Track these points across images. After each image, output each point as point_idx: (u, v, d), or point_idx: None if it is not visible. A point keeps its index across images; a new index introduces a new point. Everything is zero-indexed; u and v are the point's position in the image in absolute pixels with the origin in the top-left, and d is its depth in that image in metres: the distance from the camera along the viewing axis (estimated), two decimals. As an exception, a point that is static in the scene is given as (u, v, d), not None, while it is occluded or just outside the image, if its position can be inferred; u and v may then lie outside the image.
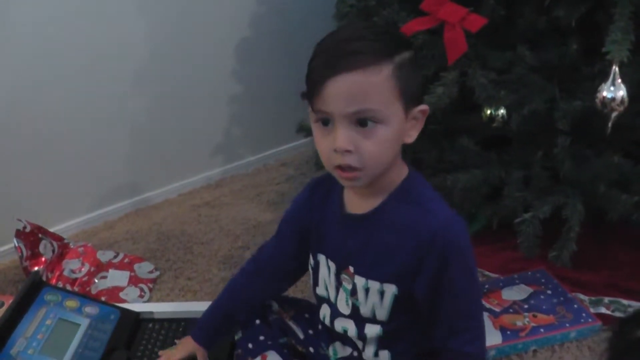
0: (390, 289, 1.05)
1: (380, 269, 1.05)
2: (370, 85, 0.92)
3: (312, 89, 0.95)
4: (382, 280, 1.05)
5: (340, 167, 0.97)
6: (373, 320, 1.09)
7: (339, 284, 1.12)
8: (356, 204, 1.08)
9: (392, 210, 1.04)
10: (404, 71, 0.94)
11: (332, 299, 1.15)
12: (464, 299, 1.03)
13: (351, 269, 1.09)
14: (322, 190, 1.14)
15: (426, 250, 0.99)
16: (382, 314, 1.08)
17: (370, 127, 0.94)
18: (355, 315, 1.11)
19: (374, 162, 0.97)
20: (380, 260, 1.05)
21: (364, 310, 1.09)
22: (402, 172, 1.06)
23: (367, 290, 1.07)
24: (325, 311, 1.18)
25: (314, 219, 1.15)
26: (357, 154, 0.95)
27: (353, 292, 1.09)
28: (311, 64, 0.96)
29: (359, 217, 1.07)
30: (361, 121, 0.93)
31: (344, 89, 0.92)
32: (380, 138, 0.95)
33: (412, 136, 1.00)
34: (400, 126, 0.97)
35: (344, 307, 1.12)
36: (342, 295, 1.12)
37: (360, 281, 1.07)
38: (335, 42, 0.96)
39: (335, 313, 1.15)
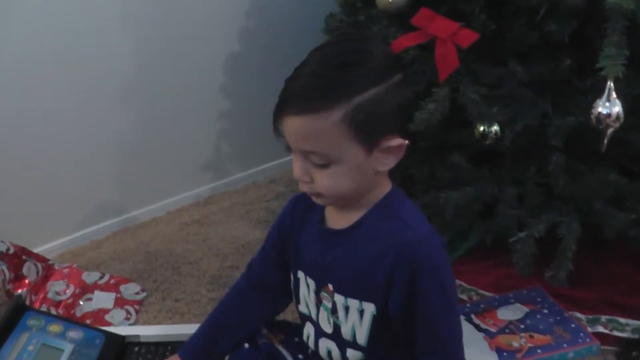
0: (369, 308, 1.03)
1: (358, 286, 1.03)
2: (316, 131, 0.92)
3: (273, 120, 0.97)
4: (361, 298, 1.03)
5: None
6: (354, 344, 1.07)
7: (319, 302, 1.10)
8: (336, 219, 1.07)
9: (371, 225, 1.02)
10: (365, 111, 0.91)
11: (314, 317, 1.13)
12: (439, 319, 1.00)
13: (330, 286, 1.07)
14: (305, 204, 1.12)
15: (398, 263, 0.97)
16: (362, 335, 1.05)
17: (321, 163, 0.95)
18: (337, 335, 1.09)
19: (331, 192, 0.98)
20: (358, 276, 1.03)
21: (345, 330, 1.07)
22: (384, 188, 1.04)
23: (346, 308, 1.05)
24: (309, 330, 1.16)
25: (293, 233, 1.14)
26: (313, 184, 0.97)
27: (334, 311, 1.07)
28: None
29: (337, 232, 1.06)
30: (312, 158, 0.95)
31: (293, 130, 0.94)
32: (334, 173, 0.95)
33: (387, 164, 0.98)
34: (360, 162, 0.95)
35: (326, 326, 1.10)
36: (324, 313, 1.10)
37: (339, 299, 1.05)
38: (297, 74, 0.95)
39: (319, 332, 1.12)
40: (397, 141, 0.96)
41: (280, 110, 0.94)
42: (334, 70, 0.93)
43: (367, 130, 0.93)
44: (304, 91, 0.93)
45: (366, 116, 0.91)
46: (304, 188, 1.00)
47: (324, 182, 0.96)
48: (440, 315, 1.00)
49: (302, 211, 1.13)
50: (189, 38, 2.22)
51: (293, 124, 0.93)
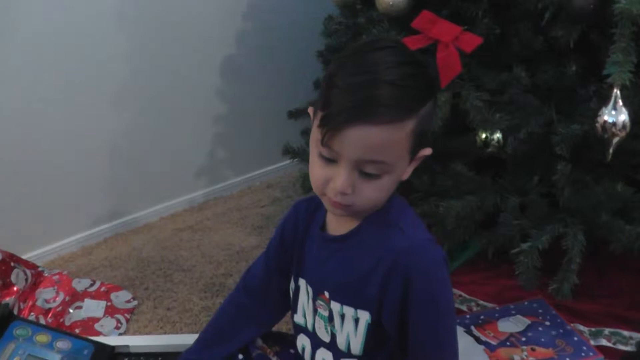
0: (364, 316, 1.01)
1: (354, 294, 1.01)
2: (389, 142, 0.89)
3: (329, 126, 0.89)
4: (356, 306, 1.01)
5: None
6: (348, 354, 1.05)
7: (315, 311, 1.08)
8: (336, 225, 1.05)
9: (368, 232, 1.00)
10: (424, 122, 0.92)
11: (310, 327, 1.10)
12: (431, 330, 0.97)
13: (327, 294, 1.05)
14: (309, 211, 1.10)
15: (391, 270, 0.95)
16: (357, 345, 1.03)
17: (375, 174, 0.92)
18: (333, 344, 1.06)
19: (368, 204, 0.95)
20: (354, 283, 1.01)
21: (340, 340, 1.04)
22: None
23: (342, 316, 1.03)
24: (304, 342, 1.14)
25: (297, 240, 1.12)
26: (354, 195, 0.93)
27: (330, 319, 1.05)
28: (332, 92, 0.90)
29: (336, 238, 1.04)
30: (368, 169, 0.91)
31: (362, 140, 0.88)
32: (382, 185, 0.93)
33: (408, 173, 0.99)
34: (403, 171, 0.96)
35: (324, 335, 1.08)
36: (320, 322, 1.08)
37: (335, 307, 1.03)
38: (364, 79, 0.89)
39: (316, 343, 1.10)
40: (427, 150, 0.97)
41: (350, 117, 0.87)
42: (404, 77, 0.89)
43: (420, 142, 0.94)
44: (380, 101, 0.87)
45: (426, 125, 0.93)
46: (342, 200, 0.93)
47: (369, 193, 0.93)
48: (430, 331, 0.97)
49: (306, 218, 1.11)
50: (185, 41, 2.19)
51: (364, 134, 0.87)
